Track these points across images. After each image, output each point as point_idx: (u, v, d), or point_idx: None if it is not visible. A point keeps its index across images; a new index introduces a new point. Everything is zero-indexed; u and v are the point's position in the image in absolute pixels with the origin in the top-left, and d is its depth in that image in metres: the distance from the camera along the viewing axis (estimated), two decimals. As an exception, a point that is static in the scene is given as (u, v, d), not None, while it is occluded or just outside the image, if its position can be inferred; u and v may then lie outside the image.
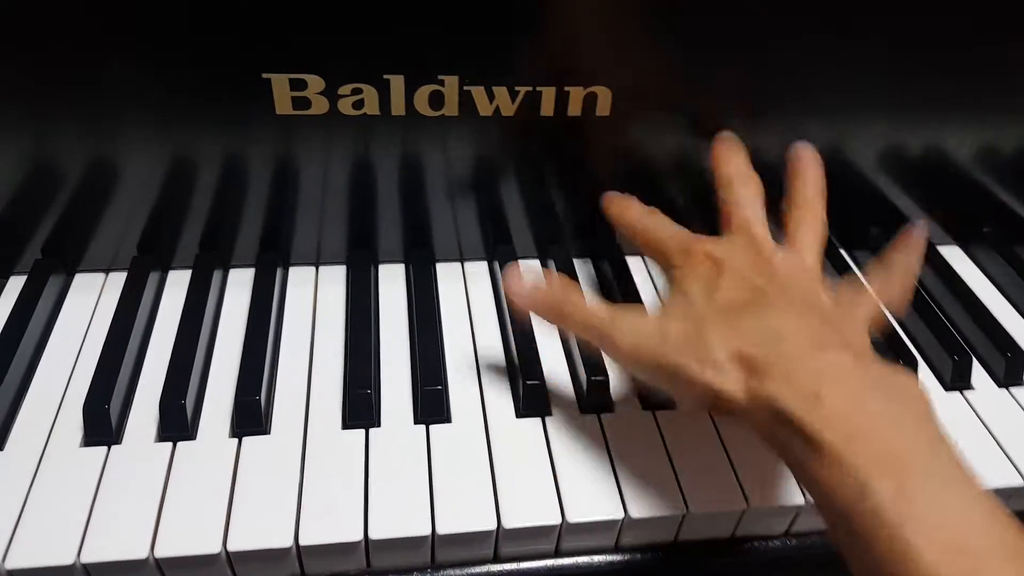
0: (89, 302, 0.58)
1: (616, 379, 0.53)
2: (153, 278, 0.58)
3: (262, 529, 0.44)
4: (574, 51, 0.53)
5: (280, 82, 0.51)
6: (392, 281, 0.61)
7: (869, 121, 0.61)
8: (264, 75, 0.51)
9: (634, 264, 0.64)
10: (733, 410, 0.40)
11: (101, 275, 0.60)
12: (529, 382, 0.51)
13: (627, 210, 0.53)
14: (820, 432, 0.36)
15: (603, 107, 0.55)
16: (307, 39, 0.50)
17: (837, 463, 0.35)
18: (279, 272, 0.60)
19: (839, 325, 0.43)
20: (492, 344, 0.57)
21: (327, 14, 0.49)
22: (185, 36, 0.49)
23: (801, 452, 0.37)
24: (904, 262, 0.50)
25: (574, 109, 0.55)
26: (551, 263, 0.63)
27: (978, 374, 0.57)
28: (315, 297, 0.59)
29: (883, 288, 0.49)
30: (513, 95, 0.54)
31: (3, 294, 0.58)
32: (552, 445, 0.49)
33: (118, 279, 0.59)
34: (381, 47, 0.51)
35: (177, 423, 0.48)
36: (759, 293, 0.44)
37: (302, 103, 0.52)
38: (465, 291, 0.61)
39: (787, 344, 0.40)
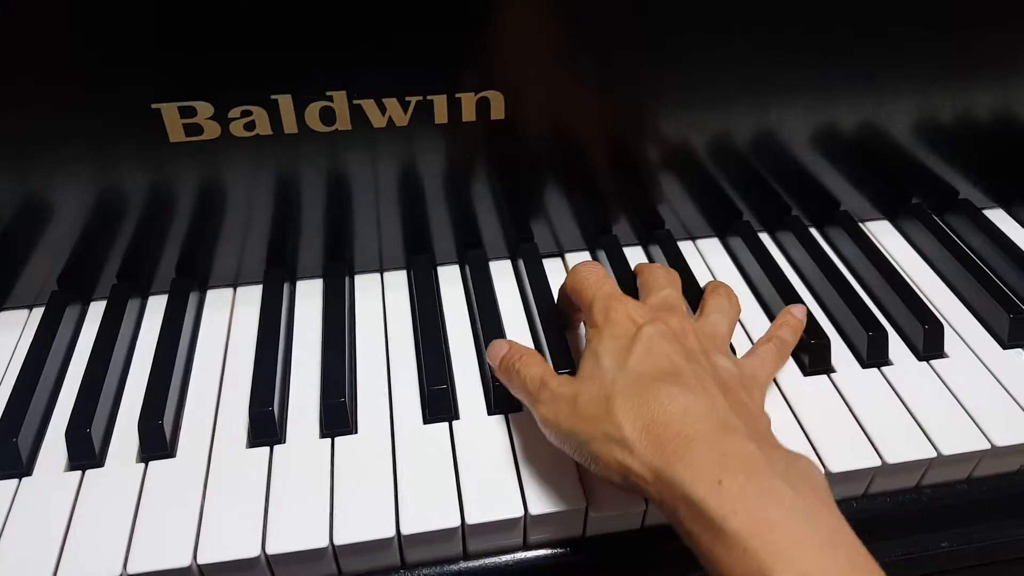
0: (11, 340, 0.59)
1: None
2: (72, 311, 0.59)
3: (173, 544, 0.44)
4: (461, 57, 0.53)
5: (170, 111, 0.52)
6: (310, 297, 0.62)
7: (795, 97, 0.61)
8: (153, 105, 0.51)
9: (550, 265, 0.64)
10: (639, 486, 0.40)
11: (25, 311, 0.61)
12: (434, 387, 0.52)
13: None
14: (724, 519, 0.36)
15: (497, 111, 0.56)
16: (191, 66, 0.51)
17: (740, 550, 0.36)
18: (194, 296, 0.60)
19: (744, 401, 0.45)
20: (405, 354, 0.57)
21: (209, 39, 0.50)
22: (77, 71, 0.50)
23: (703, 534, 0.37)
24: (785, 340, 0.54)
25: (468, 115, 0.56)
26: (467, 268, 0.63)
27: (898, 349, 0.57)
28: (231, 318, 0.60)
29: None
30: (404, 105, 0.55)
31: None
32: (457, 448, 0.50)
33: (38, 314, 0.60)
34: (265, 68, 0.52)
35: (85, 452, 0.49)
36: (671, 364, 0.44)
37: (194, 129, 0.53)
38: (382, 301, 0.62)
39: (693, 426, 0.40)
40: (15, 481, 0.49)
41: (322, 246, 0.62)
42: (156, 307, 0.61)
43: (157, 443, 0.50)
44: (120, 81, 0.51)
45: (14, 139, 0.52)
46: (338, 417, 0.51)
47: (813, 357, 0.55)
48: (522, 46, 0.54)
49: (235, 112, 0.53)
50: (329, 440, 0.51)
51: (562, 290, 0.54)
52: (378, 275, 0.64)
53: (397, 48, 0.53)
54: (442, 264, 0.64)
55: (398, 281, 0.63)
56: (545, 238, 0.65)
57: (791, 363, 0.56)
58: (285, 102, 0.53)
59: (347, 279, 0.62)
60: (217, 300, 0.61)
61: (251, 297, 0.61)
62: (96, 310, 0.61)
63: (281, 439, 0.51)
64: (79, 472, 0.49)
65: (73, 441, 0.49)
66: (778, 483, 0.38)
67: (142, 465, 0.49)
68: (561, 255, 0.66)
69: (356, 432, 0.51)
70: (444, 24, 0.52)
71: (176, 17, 0.49)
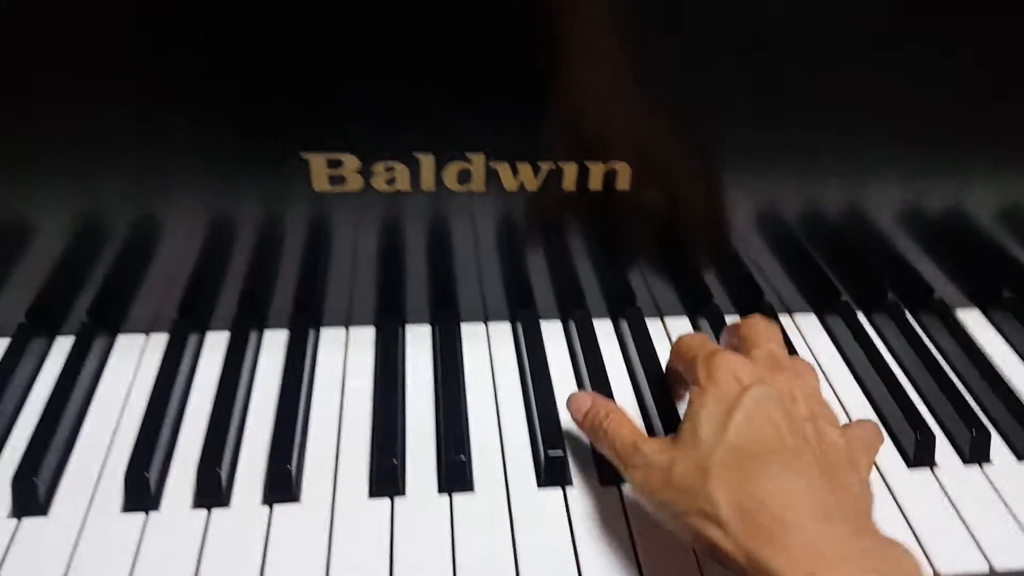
0: (131, 365, 0.60)
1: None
2: (192, 341, 0.61)
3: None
4: (593, 129, 0.55)
5: (318, 161, 0.53)
6: (419, 343, 0.63)
7: (885, 182, 0.62)
8: (303, 155, 0.53)
9: (654, 328, 0.65)
10: (729, 564, 0.40)
11: (143, 336, 0.62)
12: (551, 453, 0.53)
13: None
14: None
15: (623, 182, 0.57)
16: (345, 121, 0.52)
17: None
18: (312, 334, 0.62)
19: (847, 483, 0.43)
20: (514, 411, 0.58)
21: (363, 98, 0.52)
22: (232, 115, 0.52)
23: None
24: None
25: (595, 184, 0.57)
26: (572, 324, 0.65)
27: (998, 448, 0.58)
28: (345, 358, 0.62)
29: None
30: (536, 171, 0.56)
31: (49, 356, 0.60)
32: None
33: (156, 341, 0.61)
34: (413, 128, 0.53)
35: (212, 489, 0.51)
36: (774, 434, 0.43)
37: (338, 180, 0.54)
38: (489, 353, 0.63)
39: (791, 510, 0.40)
40: (143, 515, 0.50)
41: (433, 294, 0.64)
42: (271, 343, 0.62)
43: (283, 486, 0.51)
44: (276, 128, 0.52)
45: (168, 168, 0.54)
46: (458, 474, 0.52)
47: (919, 451, 0.56)
48: (654, 124, 0.56)
49: (379, 167, 0.54)
50: (447, 496, 0.52)
51: (669, 364, 0.55)
52: (483, 324, 0.65)
53: (536, 116, 0.54)
54: (544, 319, 0.66)
55: (503, 331, 0.65)
56: (646, 303, 0.66)
57: (894, 452, 0.57)
58: (427, 160, 0.54)
59: (456, 328, 0.63)
60: (331, 340, 0.63)
61: (365, 338, 0.63)
62: (214, 341, 0.62)
63: (402, 491, 0.52)
64: (205, 510, 0.50)
65: (204, 478, 0.51)
66: None
67: (267, 508, 0.51)
68: (661, 319, 0.67)
69: (473, 490, 0.53)
70: (583, 96, 0.54)
71: (333, 74, 0.51)
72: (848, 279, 0.68)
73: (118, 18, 0.48)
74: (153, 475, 0.51)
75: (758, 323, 0.52)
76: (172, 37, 0.48)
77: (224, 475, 0.51)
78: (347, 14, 0.49)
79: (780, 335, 0.52)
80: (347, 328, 0.64)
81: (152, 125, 0.52)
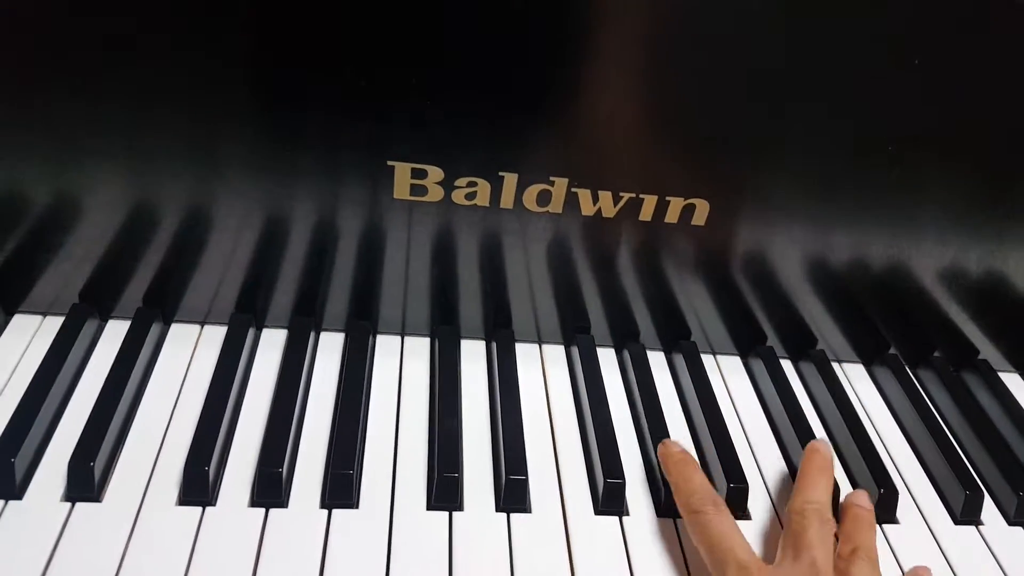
0: (185, 355, 0.60)
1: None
2: (250, 335, 0.60)
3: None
4: (680, 165, 0.55)
5: (403, 170, 0.53)
6: (474, 358, 0.63)
7: (933, 240, 0.63)
8: (389, 162, 0.53)
9: (708, 362, 0.66)
10: None
11: (197, 327, 0.62)
12: (611, 480, 0.53)
13: (688, 481, 0.52)
14: None
15: (699, 218, 0.58)
16: (436, 133, 0.53)
17: None
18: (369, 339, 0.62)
19: None
20: (570, 436, 0.58)
21: (459, 113, 0.52)
22: (331, 117, 0.52)
23: None
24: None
25: (671, 217, 0.57)
26: (626, 354, 0.65)
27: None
28: (400, 367, 0.61)
29: None
30: (616, 199, 0.56)
31: (103, 339, 0.60)
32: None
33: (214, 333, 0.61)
34: (503, 147, 0.54)
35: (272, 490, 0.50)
36: None
37: (419, 190, 0.54)
38: (543, 374, 0.63)
39: None
40: (199, 510, 0.49)
41: (487, 311, 0.64)
42: (327, 345, 0.62)
43: (343, 491, 0.51)
44: (368, 133, 0.52)
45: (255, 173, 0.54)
46: (518, 495, 0.52)
47: (966, 507, 0.57)
48: (737, 166, 0.56)
49: (462, 181, 0.54)
50: (505, 515, 0.52)
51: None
52: (537, 346, 0.65)
53: (627, 149, 0.55)
54: (599, 345, 0.66)
55: (556, 355, 0.65)
56: (699, 338, 0.67)
57: (940, 508, 0.57)
58: (510, 180, 0.55)
59: (512, 346, 0.64)
60: (387, 348, 0.63)
61: (420, 349, 0.63)
62: (270, 339, 0.62)
63: (460, 506, 0.52)
64: (263, 509, 0.50)
65: (263, 478, 0.50)
66: None
67: (325, 512, 0.50)
68: (713, 355, 0.68)
69: (530, 511, 0.52)
70: (676, 134, 0.55)
71: (431, 89, 0.51)
72: (899, 333, 0.69)
73: (231, 24, 0.48)
74: (212, 470, 0.50)
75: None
76: (289, 45, 0.49)
77: (284, 476, 0.51)
78: (451, 38, 0.49)
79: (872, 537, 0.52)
80: (402, 337, 0.64)
81: (264, 122, 0.52)
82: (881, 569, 0.49)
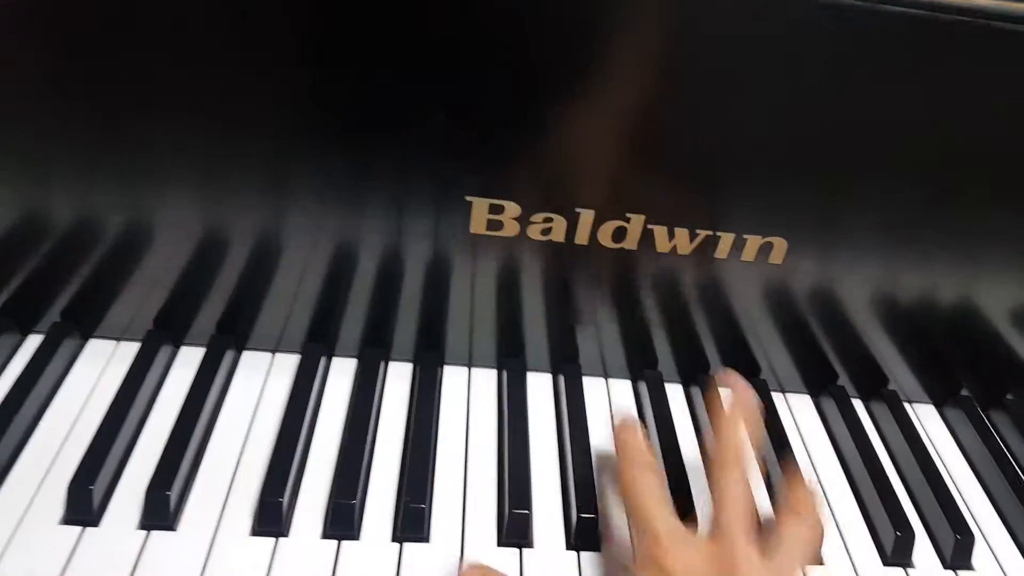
0: (257, 383, 0.60)
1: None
2: (321, 364, 0.61)
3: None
4: (758, 203, 0.55)
5: (480, 205, 0.53)
6: (539, 390, 0.63)
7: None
8: (467, 197, 0.53)
9: (778, 400, 0.65)
10: None
11: (268, 355, 0.62)
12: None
13: (626, 443, 0.50)
14: None
15: (776, 256, 0.57)
16: (515, 171, 0.53)
17: None
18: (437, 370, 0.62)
19: None
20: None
21: (539, 151, 0.52)
22: (414, 151, 0.52)
23: None
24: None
25: (748, 255, 0.57)
26: (695, 391, 0.64)
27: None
28: (468, 398, 0.61)
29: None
30: (693, 236, 0.56)
31: (176, 365, 0.60)
32: None
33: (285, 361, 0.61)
34: (580, 185, 0.54)
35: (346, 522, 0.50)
36: None
37: (496, 225, 0.55)
38: (610, 409, 0.63)
39: None
40: (272, 540, 0.49)
41: (553, 344, 0.63)
42: (395, 375, 0.62)
43: (416, 525, 0.51)
44: (449, 169, 0.52)
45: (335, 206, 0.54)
46: (589, 532, 0.52)
47: (896, 550, 0.55)
48: (816, 205, 0.56)
49: (538, 217, 0.54)
50: (576, 554, 0.51)
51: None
52: (603, 379, 0.65)
53: (705, 188, 0.55)
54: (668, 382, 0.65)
55: (623, 389, 0.65)
56: (769, 377, 0.66)
57: (871, 548, 0.56)
58: (587, 216, 0.55)
59: (578, 381, 0.63)
60: (454, 377, 0.63)
61: (487, 380, 0.63)
62: (340, 368, 0.62)
63: (530, 543, 0.52)
64: (335, 542, 0.50)
65: (337, 510, 0.50)
66: None
67: (396, 545, 0.50)
68: (783, 393, 0.67)
69: (600, 550, 0.52)
70: (746, 173, 0.54)
71: (512, 126, 0.51)
72: (972, 374, 0.67)
73: (314, 58, 0.48)
74: (285, 501, 0.50)
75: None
76: (373, 81, 0.49)
77: (357, 508, 0.51)
78: (537, 82, 0.50)
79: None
80: (469, 368, 0.64)
81: (342, 155, 0.52)
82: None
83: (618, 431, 0.52)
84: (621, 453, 0.50)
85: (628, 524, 0.47)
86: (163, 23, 0.46)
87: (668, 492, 0.48)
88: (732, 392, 0.51)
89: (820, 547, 0.53)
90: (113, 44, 0.47)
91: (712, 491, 0.48)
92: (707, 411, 0.55)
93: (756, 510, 0.49)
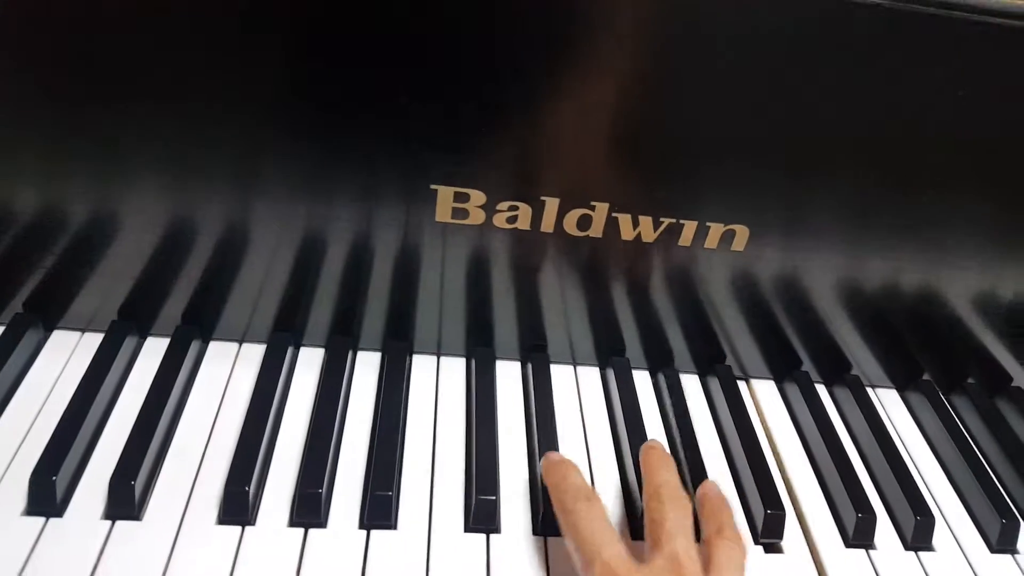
0: (223, 373, 0.60)
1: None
2: (290, 355, 0.61)
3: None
4: (721, 191, 0.56)
5: (445, 193, 0.54)
6: (508, 379, 0.63)
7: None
8: (432, 186, 0.53)
9: (742, 386, 0.66)
10: None
11: (235, 345, 0.62)
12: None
13: (563, 479, 0.50)
14: None
15: (739, 244, 0.58)
16: (480, 158, 0.53)
17: None
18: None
19: None
20: (605, 458, 0.58)
21: (501, 138, 0.52)
22: (379, 139, 0.52)
23: None
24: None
25: (711, 243, 0.58)
26: (661, 377, 0.65)
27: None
28: (436, 386, 0.62)
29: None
30: (657, 224, 0.57)
31: (142, 356, 0.60)
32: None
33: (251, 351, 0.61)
34: (545, 173, 0.54)
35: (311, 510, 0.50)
36: None
37: (461, 214, 0.55)
38: (578, 396, 0.63)
39: None
40: (239, 529, 0.49)
41: (522, 332, 0.64)
42: (363, 364, 0.62)
43: (382, 512, 0.51)
44: (414, 157, 0.53)
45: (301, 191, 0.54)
46: (554, 520, 0.52)
47: (1002, 536, 0.57)
48: (778, 193, 0.56)
49: (503, 205, 0.55)
50: (543, 539, 0.52)
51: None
52: (571, 367, 0.65)
53: (669, 176, 0.55)
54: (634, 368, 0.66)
55: (592, 376, 0.65)
56: (733, 362, 0.67)
57: (976, 536, 0.57)
58: (552, 204, 0.55)
59: (547, 369, 0.64)
60: (423, 367, 0.63)
61: (455, 367, 0.63)
62: (307, 358, 0.62)
63: (497, 529, 0.52)
64: (302, 529, 0.50)
65: (304, 498, 0.50)
66: None
67: (364, 532, 0.50)
68: (746, 380, 0.68)
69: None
70: (711, 161, 0.55)
71: (479, 118, 0.52)
72: (935, 361, 0.69)
73: (280, 44, 0.48)
74: (252, 489, 0.50)
75: (669, 505, 0.48)
76: (338, 69, 0.49)
77: (324, 496, 0.51)
78: (499, 65, 0.50)
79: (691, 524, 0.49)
80: (438, 356, 0.64)
81: (309, 143, 0.52)
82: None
83: (546, 467, 0.52)
84: (560, 489, 0.50)
85: (574, 558, 0.47)
86: (127, 11, 0.46)
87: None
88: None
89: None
90: (78, 31, 0.47)
91: (649, 517, 0.48)
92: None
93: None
